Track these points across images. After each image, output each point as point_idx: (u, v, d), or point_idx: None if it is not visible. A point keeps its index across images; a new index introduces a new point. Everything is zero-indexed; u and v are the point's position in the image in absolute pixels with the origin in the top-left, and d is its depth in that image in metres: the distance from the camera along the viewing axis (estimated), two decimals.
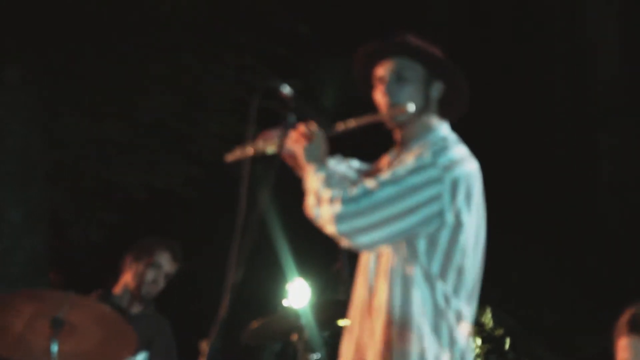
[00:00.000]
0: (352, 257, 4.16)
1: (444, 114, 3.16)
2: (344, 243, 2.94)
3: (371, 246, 2.92)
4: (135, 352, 4.59)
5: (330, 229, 2.90)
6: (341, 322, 5.34)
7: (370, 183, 2.90)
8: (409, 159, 2.96)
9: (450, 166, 2.91)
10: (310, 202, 2.97)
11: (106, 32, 7.16)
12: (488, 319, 10.81)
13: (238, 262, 2.76)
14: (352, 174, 3.23)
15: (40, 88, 6.98)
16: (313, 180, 2.98)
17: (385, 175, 2.93)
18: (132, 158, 7.75)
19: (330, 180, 2.95)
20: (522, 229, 9.29)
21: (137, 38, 7.28)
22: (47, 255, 6.90)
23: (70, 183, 7.71)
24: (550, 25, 9.78)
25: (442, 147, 2.96)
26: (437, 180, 2.89)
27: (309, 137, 3.05)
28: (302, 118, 3.07)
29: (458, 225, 2.92)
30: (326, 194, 2.91)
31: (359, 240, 2.89)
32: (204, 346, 2.76)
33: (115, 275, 4.95)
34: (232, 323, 4.45)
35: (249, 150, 3.10)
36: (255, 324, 4.37)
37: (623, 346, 3.41)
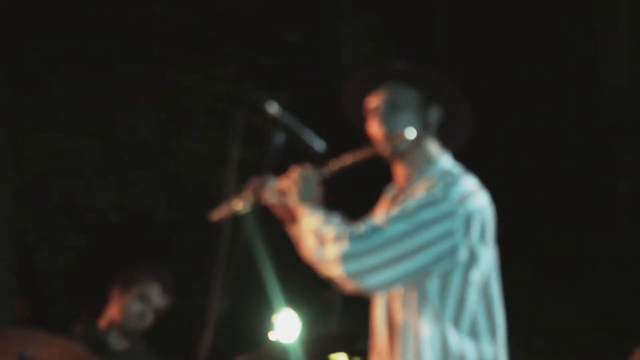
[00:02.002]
0: None
1: (446, 143, 3.16)
2: (351, 286, 2.89)
3: (381, 288, 2.87)
4: None
5: (336, 270, 2.86)
6: (333, 357, 5.32)
7: (378, 220, 2.89)
8: (418, 192, 2.95)
9: (462, 200, 2.91)
10: (309, 244, 2.93)
11: (80, 42, 7.16)
12: None
13: (220, 294, 2.73)
14: None
15: (3, 104, 6.95)
16: (311, 221, 2.95)
17: (394, 210, 2.91)
18: (105, 176, 7.72)
19: (331, 218, 2.93)
20: (535, 260, 9.30)
21: (113, 48, 7.27)
22: (12, 283, 6.86)
23: (38, 204, 7.67)
24: (561, 40, 9.82)
25: (451, 181, 2.95)
26: (450, 215, 2.88)
27: (302, 180, 3.03)
28: (291, 136, 3.04)
29: (473, 262, 2.91)
30: (330, 232, 2.88)
31: (369, 281, 2.84)
32: None
33: (95, 304, 4.89)
34: (215, 358, 4.44)
35: (236, 206, 3.06)
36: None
37: None
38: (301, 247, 3.00)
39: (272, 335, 5.80)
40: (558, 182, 9.54)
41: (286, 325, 5.78)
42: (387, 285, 2.86)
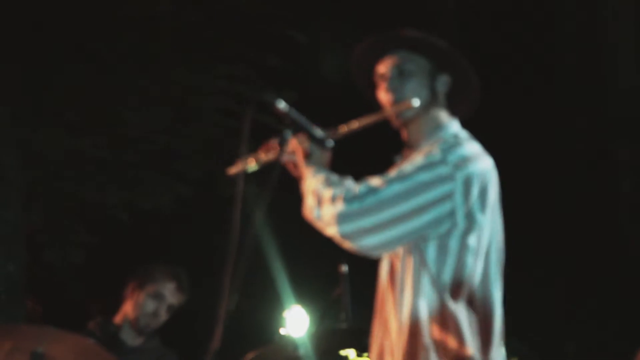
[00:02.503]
0: (353, 283, 4.18)
1: (454, 110, 3.18)
2: (347, 246, 2.91)
3: (377, 249, 2.89)
4: None
5: (331, 230, 2.88)
6: (343, 352, 5.34)
7: (375, 181, 2.90)
8: (418, 157, 2.96)
9: (462, 163, 2.91)
10: (309, 203, 2.98)
11: (87, 42, 7.17)
12: None
13: (231, 290, 2.74)
14: None
15: (14, 101, 6.97)
16: (312, 181, 2.99)
17: (391, 173, 2.93)
18: (114, 176, 7.75)
19: (331, 179, 2.96)
20: (538, 253, 9.30)
21: (120, 47, 7.29)
22: (23, 282, 6.88)
23: (48, 203, 7.69)
24: (567, 35, 9.81)
25: (452, 144, 2.97)
26: (448, 178, 2.87)
27: (308, 152, 3.07)
28: (299, 132, 3.07)
29: (471, 227, 2.91)
30: (327, 192, 2.90)
31: (364, 242, 2.85)
32: None
33: (105, 301, 4.92)
34: (226, 354, 4.46)
35: (251, 162, 3.11)
36: (248, 356, 4.35)
37: None
38: (303, 207, 3.03)
39: (283, 331, 5.82)
40: (559, 181, 9.53)
41: (296, 321, 5.80)
42: (383, 247, 2.87)
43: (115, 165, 7.71)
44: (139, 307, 4.73)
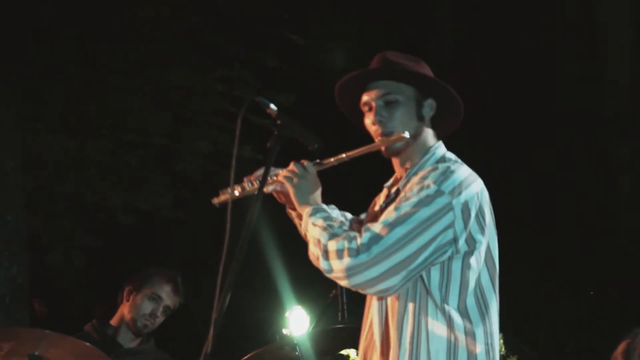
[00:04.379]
0: None
1: (438, 130, 3.20)
2: (364, 292, 2.94)
3: (392, 291, 2.88)
4: None
5: (344, 283, 2.89)
6: (343, 352, 5.28)
7: (377, 227, 2.88)
8: (411, 192, 2.94)
9: (457, 190, 2.91)
10: (314, 252, 2.97)
11: (88, 46, 7.17)
12: (500, 345, 10.76)
13: (222, 293, 2.71)
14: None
15: (15, 105, 6.96)
16: (312, 228, 2.99)
17: (391, 215, 2.90)
18: (115, 178, 7.74)
19: (332, 228, 2.94)
20: (536, 251, 9.27)
21: (120, 51, 7.28)
22: (27, 286, 6.87)
23: (50, 206, 7.68)
24: (563, 31, 9.78)
25: (444, 173, 2.95)
26: (447, 208, 2.88)
27: (299, 175, 3.08)
28: (291, 134, 3.05)
29: (471, 249, 2.93)
30: (332, 245, 2.89)
31: (377, 288, 2.85)
32: None
33: (108, 303, 4.91)
34: (228, 354, 4.42)
35: (234, 193, 3.12)
36: (248, 356, 4.32)
37: None
38: (309, 254, 3.03)
39: (285, 331, 5.80)
40: (557, 177, 9.50)
41: (297, 322, 5.78)
42: (394, 288, 2.86)
43: (116, 167, 7.69)
44: (136, 308, 4.77)
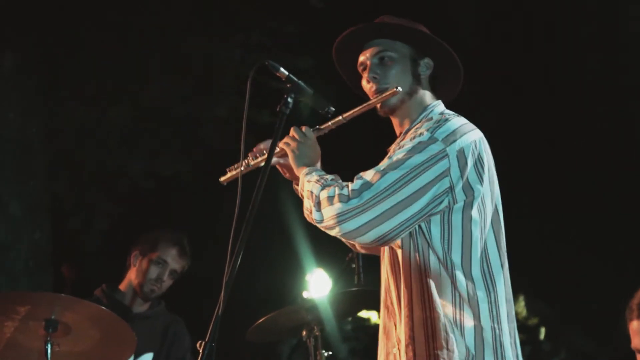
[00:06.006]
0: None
1: (442, 92, 3.17)
2: (355, 242, 2.91)
3: (383, 240, 2.82)
4: (137, 353, 4.57)
5: (334, 231, 2.84)
6: (364, 315, 5.24)
7: (369, 174, 2.85)
8: (405, 142, 2.92)
9: (451, 137, 2.86)
10: (307, 206, 2.95)
11: (107, 15, 7.14)
12: (521, 307, 10.71)
13: (234, 257, 2.69)
14: None
15: (38, 74, 6.98)
16: (306, 184, 2.96)
17: (383, 162, 2.89)
18: (135, 145, 7.75)
19: (325, 180, 2.93)
20: (557, 212, 9.19)
21: (140, 20, 7.25)
22: (49, 249, 6.92)
23: (72, 173, 7.71)
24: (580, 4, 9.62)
25: (437, 122, 2.93)
26: (442, 155, 2.83)
27: (297, 142, 3.07)
28: (301, 97, 3.06)
29: (471, 199, 2.86)
30: (323, 194, 2.86)
31: (369, 236, 2.80)
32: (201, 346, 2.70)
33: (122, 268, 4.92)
34: (249, 317, 4.42)
35: (240, 169, 3.09)
36: (261, 320, 4.31)
37: (635, 330, 3.34)
38: (304, 208, 3.03)
39: (305, 294, 5.80)
40: (576, 147, 9.40)
41: (318, 284, 5.77)
42: (388, 237, 2.81)
43: (137, 134, 7.70)
44: (143, 273, 4.77)
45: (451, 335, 2.80)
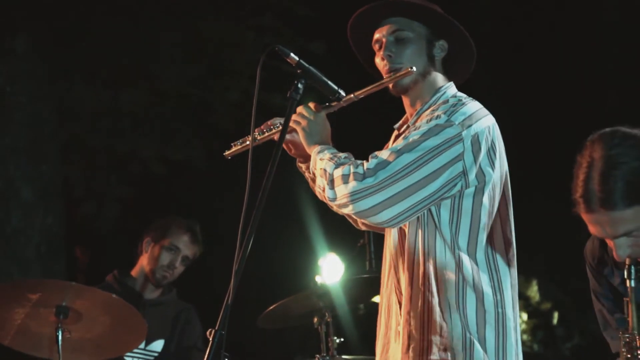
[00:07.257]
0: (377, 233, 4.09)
1: (452, 75, 3.15)
2: (368, 221, 2.90)
3: (395, 221, 2.82)
4: (148, 340, 4.58)
5: (347, 209, 2.84)
6: (375, 299, 5.26)
7: (384, 154, 2.84)
8: (421, 123, 2.91)
9: (467, 122, 2.86)
10: (319, 184, 2.95)
11: None
12: (534, 292, 10.65)
13: (244, 245, 2.65)
14: None
15: (50, 58, 6.95)
16: (319, 162, 2.95)
17: (399, 143, 2.87)
18: (147, 129, 7.74)
19: (338, 158, 2.91)
20: (569, 194, 9.13)
21: (152, 3, 7.23)
22: (61, 234, 6.92)
23: (84, 157, 7.70)
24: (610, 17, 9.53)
25: (454, 105, 2.91)
26: (457, 139, 2.82)
27: (308, 118, 3.04)
28: (311, 83, 3.02)
29: (482, 185, 2.86)
30: (337, 172, 2.85)
31: (381, 216, 2.79)
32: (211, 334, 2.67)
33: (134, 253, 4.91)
34: (262, 302, 4.39)
35: (247, 144, 3.09)
36: (272, 307, 4.29)
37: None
38: (315, 188, 3.03)
39: (318, 279, 5.78)
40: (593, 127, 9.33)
41: (331, 269, 5.75)
42: (400, 218, 2.81)
43: (149, 118, 7.68)
44: (155, 259, 4.79)
45: (448, 320, 2.80)
